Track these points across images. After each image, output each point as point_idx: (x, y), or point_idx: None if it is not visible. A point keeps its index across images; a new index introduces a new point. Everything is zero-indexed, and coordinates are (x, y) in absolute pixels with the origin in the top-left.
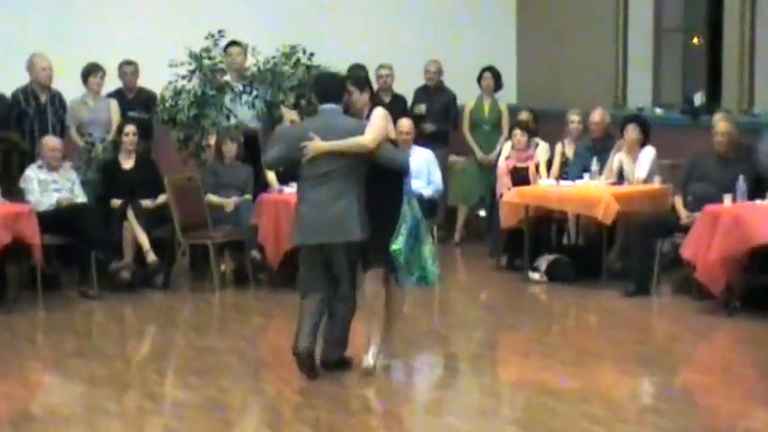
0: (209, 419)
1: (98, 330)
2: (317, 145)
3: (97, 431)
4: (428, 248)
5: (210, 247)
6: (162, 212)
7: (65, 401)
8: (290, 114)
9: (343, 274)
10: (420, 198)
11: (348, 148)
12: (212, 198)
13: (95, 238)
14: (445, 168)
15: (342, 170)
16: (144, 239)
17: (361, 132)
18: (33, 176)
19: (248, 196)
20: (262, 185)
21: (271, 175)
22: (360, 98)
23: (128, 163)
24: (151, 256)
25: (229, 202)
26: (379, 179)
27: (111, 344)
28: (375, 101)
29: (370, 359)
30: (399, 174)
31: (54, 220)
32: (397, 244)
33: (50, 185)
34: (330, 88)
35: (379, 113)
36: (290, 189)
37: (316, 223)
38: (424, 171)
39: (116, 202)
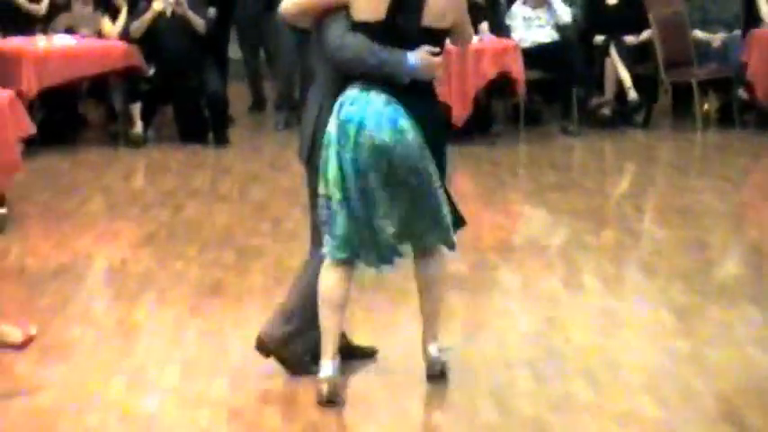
0: (688, 258)
1: (577, 165)
2: None
3: (575, 262)
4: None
5: (694, 84)
6: (645, 49)
7: (544, 232)
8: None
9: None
10: None
11: None
12: (698, 34)
13: (578, 74)
14: None
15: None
16: (626, 76)
17: None
18: (518, 13)
19: (737, 32)
20: (752, 20)
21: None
22: None
23: None
24: (632, 94)
25: (716, 38)
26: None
27: (591, 179)
28: None
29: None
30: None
31: (538, 56)
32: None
33: (534, 22)
34: None
35: None
36: None
37: None
38: None
39: (599, 39)
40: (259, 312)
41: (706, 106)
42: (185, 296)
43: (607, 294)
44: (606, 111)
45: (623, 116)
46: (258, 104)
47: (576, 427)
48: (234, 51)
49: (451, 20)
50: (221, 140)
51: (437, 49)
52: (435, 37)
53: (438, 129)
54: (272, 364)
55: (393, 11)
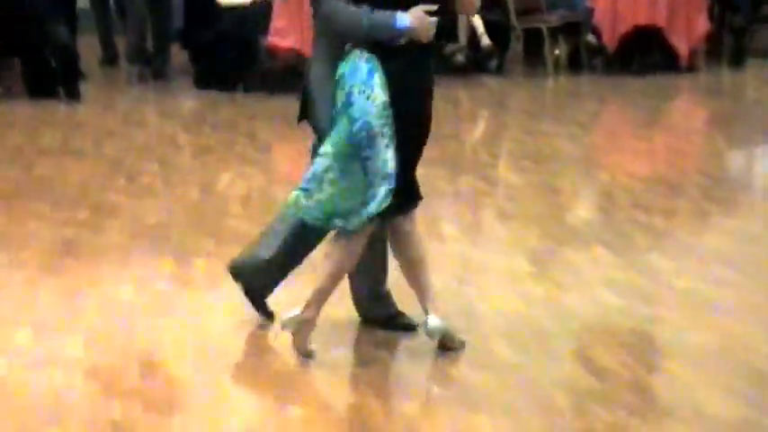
0: (542, 203)
1: (433, 113)
2: None
3: (432, 209)
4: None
5: (545, 30)
6: None
7: None
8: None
9: None
10: None
11: None
12: None
13: None
14: None
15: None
16: (478, 23)
17: None
18: None
19: None
20: None
21: None
22: None
23: None
24: (485, 40)
25: None
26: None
27: (446, 126)
28: None
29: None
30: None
31: None
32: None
33: None
34: None
35: None
36: None
37: None
38: None
39: None
40: (115, 270)
41: (557, 51)
42: (38, 256)
43: (463, 241)
44: (460, 57)
45: (477, 63)
46: (110, 58)
47: (434, 372)
48: (83, 1)
49: None
50: (72, 95)
51: (434, 7)
52: None
53: (410, 96)
54: (130, 321)
55: None
